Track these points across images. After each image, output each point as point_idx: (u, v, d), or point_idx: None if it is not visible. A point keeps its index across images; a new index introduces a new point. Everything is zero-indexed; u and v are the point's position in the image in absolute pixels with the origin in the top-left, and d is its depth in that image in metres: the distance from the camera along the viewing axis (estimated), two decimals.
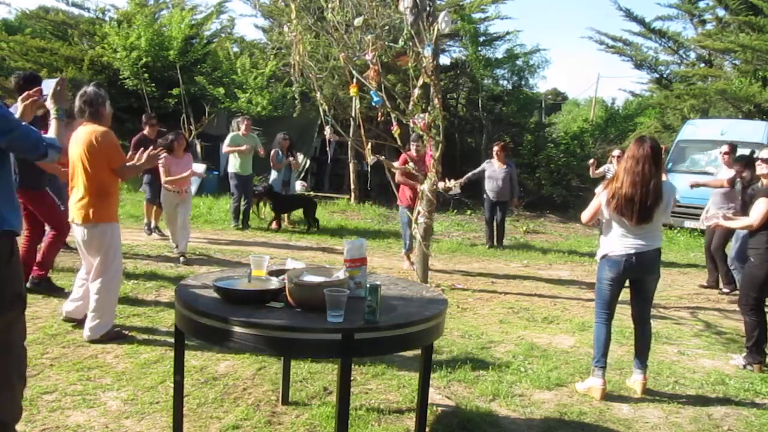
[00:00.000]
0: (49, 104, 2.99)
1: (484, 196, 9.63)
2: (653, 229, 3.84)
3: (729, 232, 6.72)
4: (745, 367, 4.57)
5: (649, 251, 3.82)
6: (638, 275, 3.89)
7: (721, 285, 7.37)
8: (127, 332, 4.46)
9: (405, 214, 7.50)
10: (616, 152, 9.12)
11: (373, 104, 6.02)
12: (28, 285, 4.99)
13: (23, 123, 2.66)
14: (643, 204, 3.68)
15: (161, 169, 7.02)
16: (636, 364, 4.03)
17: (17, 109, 3.04)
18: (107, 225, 4.20)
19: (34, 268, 5.21)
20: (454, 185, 5.97)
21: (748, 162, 6.35)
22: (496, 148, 9.54)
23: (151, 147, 3.95)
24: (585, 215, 4.02)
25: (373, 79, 5.84)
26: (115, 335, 4.32)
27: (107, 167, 4.17)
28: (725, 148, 7.39)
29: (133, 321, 4.80)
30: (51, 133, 2.88)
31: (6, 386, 2.55)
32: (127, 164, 4.23)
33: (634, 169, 3.68)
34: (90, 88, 4.18)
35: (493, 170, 9.42)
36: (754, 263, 4.55)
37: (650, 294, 4.01)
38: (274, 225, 10.06)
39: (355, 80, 5.90)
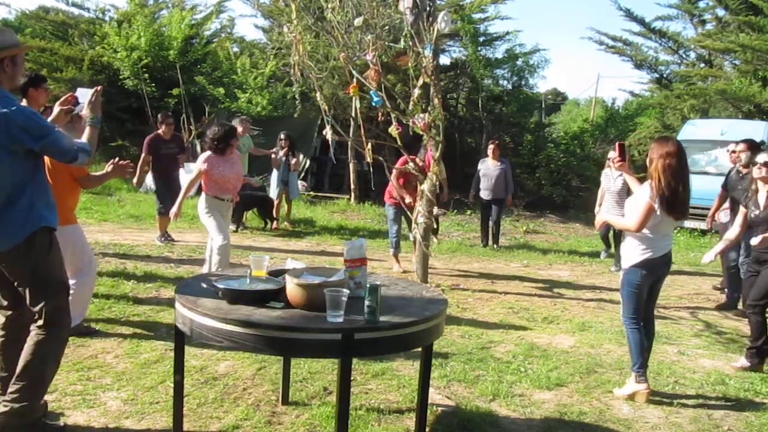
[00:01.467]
0: (86, 112, 3.23)
1: (479, 195, 9.59)
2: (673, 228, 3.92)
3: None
4: (749, 368, 4.55)
5: (671, 251, 3.89)
6: (664, 274, 3.94)
7: (722, 285, 7.34)
8: (95, 328, 4.48)
9: (392, 211, 7.46)
10: (611, 154, 8.92)
11: (374, 104, 6.02)
12: None
13: (56, 128, 2.95)
14: (687, 200, 3.74)
15: (202, 175, 5.59)
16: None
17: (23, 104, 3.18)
18: (63, 228, 4.10)
19: None
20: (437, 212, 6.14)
21: (754, 145, 6.31)
22: (491, 146, 9.58)
23: (118, 158, 3.80)
24: (635, 222, 3.73)
25: (374, 79, 5.83)
26: (83, 330, 4.33)
27: (68, 175, 4.04)
28: (732, 146, 7.04)
29: (133, 321, 4.80)
30: (84, 138, 3.12)
31: (44, 362, 2.89)
32: (92, 174, 4.20)
33: (675, 166, 3.67)
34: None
35: (487, 168, 9.42)
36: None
37: (659, 292, 4.05)
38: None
39: (355, 80, 5.89)
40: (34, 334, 2.89)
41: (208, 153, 5.62)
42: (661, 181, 3.66)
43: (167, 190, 8.03)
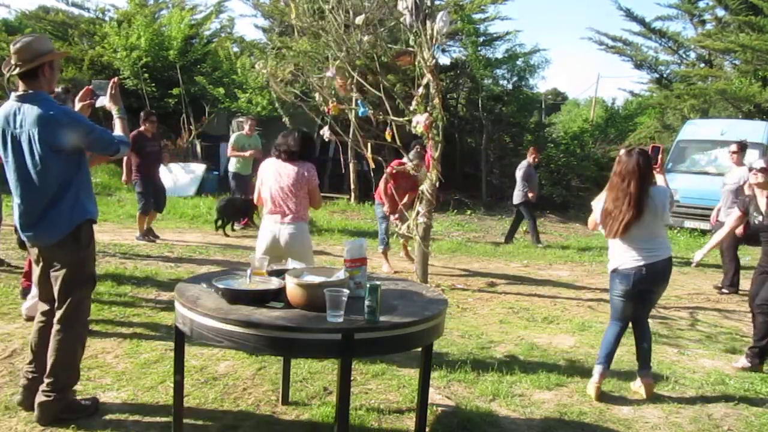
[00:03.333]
0: (110, 106, 3.31)
1: (528, 197, 9.71)
2: (655, 237, 3.77)
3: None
4: (749, 368, 4.55)
5: (659, 261, 3.75)
6: (650, 286, 3.81)
7: (722, 285, 7.34)
8: (91, 328, 4.41)
9: (381, 210, 7.45)
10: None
11: (360, 114, 6.04)
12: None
13: (96, 125, 3.08)
14: (622, 220, 3.70)
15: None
16: (641, 367, 3.95)
17: None
18: None
19: (22, 279, 5.17)
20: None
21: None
22: (531, 149, 10.04)
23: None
24: (590, 223, 4.03)
25: (341, 89, 5.91)
26: None
27: None
28: (734, 147, 7.16)
29: (133, 321, 4.80)
30: (117, 131, 3.24)
31: (70, 352, 3.06)
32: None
33: (618, 185, 3.72)
34: (59, 89, 4.19)
35: (533, 171, 9.71)
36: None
37: (655, 301, 3.99)
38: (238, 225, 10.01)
39: (333, 101, 6.01)
40: (55, 331, 3.04)
41: (310, 164, 4.27)
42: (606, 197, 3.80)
43: (149, 191, 8.08)
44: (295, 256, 3.81)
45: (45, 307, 3.20)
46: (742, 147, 7.14)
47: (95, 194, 3.34)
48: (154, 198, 8.26)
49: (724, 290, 7.26)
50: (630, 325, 4.02)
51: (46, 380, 3.03)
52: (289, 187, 4.10)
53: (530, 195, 9.74)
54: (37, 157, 2.92)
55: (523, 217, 10.15)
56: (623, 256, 3.79)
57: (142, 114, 8.45)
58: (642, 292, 3.83)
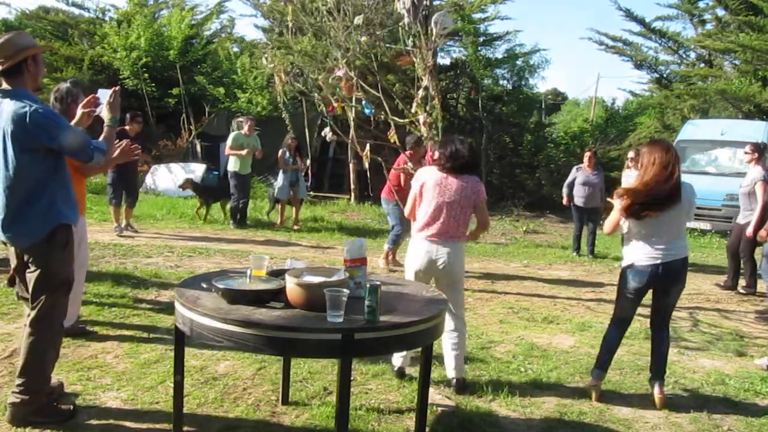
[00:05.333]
0: (105, 113, 3.30)
1: (575, 203, 9.20)
2: (677, 237, 3.70)
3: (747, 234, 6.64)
4: (766, 368, 4.54)
5: (676, 261, 3.67)
6: (664, 286, 3.75)
7: (740, 285, 7.31)
8: (90, 329, 4.44)
9: (391, 206, 7.34)
10: (630, 154, 8.72)
11: (365, 114, 6.04)
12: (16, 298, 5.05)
13: (75, 128, 3.10)
14: (661, 205, 3.58)
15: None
16: (652, 375, 3.89)
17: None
18: None
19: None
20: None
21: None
22: (588, 155, 9.27)
23: (126, 141, 3.78)
24: (606, 226, 3.86)
25: (347, 91, 5.90)
26: (78, 330, 4.31)
27: (70, 164, 4.07)
28: (748, 148, 7.02)
29: (133, 321, 4.80)
30: (101, 138, 3.21)
31: (39, 355, 3.01)
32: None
33: (652, 170, 3.58)
34: (64, 85, 4.13)
35: (586, 177, 9.05)
36: None
37: (673, 303, 3.88)
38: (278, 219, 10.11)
39: (338, 99, 6.00)
40: (27, 333, 3.02)
41: (477, 178, 3.88)
42: (641, 183, 3.65)
43: (121, 183, 8.38)
44: (451, 279, 3.74)
45: (28, 311, 3.17)
46: (757, 148, 7.03)
47: (95, 194, 3.33)
48: (125, 193, 8.55)
49: (740, 290, 7.24)
50: (650, 331, 3.97)
51: (17, 380, 3.03)
52: (457, 204, 3.71)
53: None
54: (9, 155, 2.88)
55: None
56: (640, 252, 3.69)
57: (128, 114, 8.46)
58: (655, 291, 3.79)
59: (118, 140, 3.66)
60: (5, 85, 2.94)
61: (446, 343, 3.85)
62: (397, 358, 3.92)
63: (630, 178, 7.91)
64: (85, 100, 3.46)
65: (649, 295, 3.85)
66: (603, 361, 3.87)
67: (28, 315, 3.11)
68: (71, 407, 3.20)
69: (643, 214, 3.60)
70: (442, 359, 4.29)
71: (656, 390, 3.82)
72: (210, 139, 15.57)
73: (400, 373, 3.92)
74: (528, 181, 16.47)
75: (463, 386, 3.81)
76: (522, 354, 4.61)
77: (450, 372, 3.83)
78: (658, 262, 3.64)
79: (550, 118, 27.18)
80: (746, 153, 7.03)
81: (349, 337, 2.39)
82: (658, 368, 3.86)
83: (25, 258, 3.03)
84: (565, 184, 9.30)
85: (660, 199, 3.56)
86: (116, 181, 8.39)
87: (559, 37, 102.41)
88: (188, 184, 10.27)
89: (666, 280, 3.70)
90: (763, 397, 4.08)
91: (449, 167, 3.73)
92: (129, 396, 3.44)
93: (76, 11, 18.78)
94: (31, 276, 3.01)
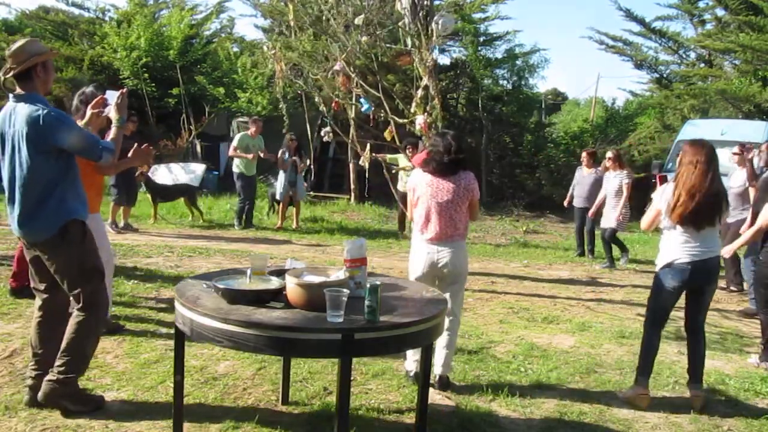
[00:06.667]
0: (113, 114, 3.42)
1: (573, 203, 9.19)
2: (714, 235, 3.71)
3: (739, 233, 6.64)
4: (758, 365, 4.55)
5: (712, 259, 3.69)
6: (700, 284, 3.74)
7: (729, 285, 7.32)
8: (123, 325, 4.56)
9: None
10: (609, 154, 8.67)
11: (363, 111, 6.04)
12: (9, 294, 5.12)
13: (84, 129, 3.23)
14: (704, 209, 3.57)
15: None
16: (691, 380, 3.86)
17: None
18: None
19: (10, 280, 5.15)
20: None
21: None
22: (584, 154, 9.20)
23: (146, 145, 3.86)
24: (644, 223, 3.87)
25: (343, 86, 5.91)
26: (112, 327, 4.39)
27: (86, 162, 4.09)
28: (736, 149, 7.10)
29: (133, 321, 4.80)
30: (109, 138, 3.32)
31: (81, 339, 3.15)
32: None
33: (695, 173, 3.57)
34: (89, 89, 4.24)
35: (582, 176, 9.05)
36: (763, 261, 4.59)
37: (707, 304, 3.87)
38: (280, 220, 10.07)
39: (337, 97, 6.02)
40: (75, 314, 3.17)
41: (471, 174, 3.88)
42: (681, 185, 3.64)
43: (123, 183, 8.53)
44: (455, 278, 3.73)
45: (39, 302, 3.28)
46: (746, 149, 7.07)
47: (103, 194, 3.41)
48: (126, 193, 8.70)
49: (732, 288, 7.24)
50: (686, 335, 3.96)
51: (57, 362, 3.13)
52: (450, 204, 3.67)
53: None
54: (24, 156, 3.01)
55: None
56: (677, 250, 3.67)
57: None
58: (692, 290, 3.78)
59: None
60: (19, 90, 3.08)
61: (438, 340, 3.85)
62: (411, 363, 3.87)
63: (607, 179, 8.20)
64: (94, 101, 3.55)
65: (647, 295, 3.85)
66: (647, 367, 3.82)
67: (39, 307, 3.26)
68: (100, 399, 3.31)
69: (698, 219, 3.59)
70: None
71: (694, 392, 3.80)
72: (210, 139, 15.57)
73: (417, 379, 3.79)
74: (528, 181, 16.46)
75: (446, 384, 3.81)
76: (522, 354, 4.61)
77: (437, 368, 3.81)
78: (697, 259, 3.65)
79: (550, 118, 27.17)
80: (735, 154, 7.06)
81: (349, 337, 2.39)
82: (695, 371, 3.84)
83: (43, 254, 3.13)
84: (572, 186, 9.30)
85: (709, 203, 3.58)
86: (117, 182, 8.46)
87: (559, 37, 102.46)
88: (141, 177, 9.51)
89: (703, 278, 3.72)
90: (763, 397, 4.08)
91: (437, 169, 3.70)
92: (129, 396, 3.44)
93: (76, 11, 18.78)
94: (59, 276, 3.13)
